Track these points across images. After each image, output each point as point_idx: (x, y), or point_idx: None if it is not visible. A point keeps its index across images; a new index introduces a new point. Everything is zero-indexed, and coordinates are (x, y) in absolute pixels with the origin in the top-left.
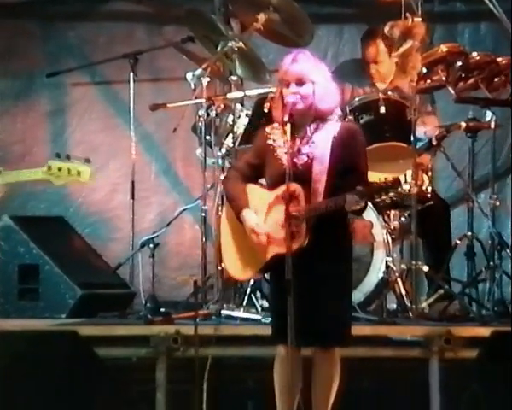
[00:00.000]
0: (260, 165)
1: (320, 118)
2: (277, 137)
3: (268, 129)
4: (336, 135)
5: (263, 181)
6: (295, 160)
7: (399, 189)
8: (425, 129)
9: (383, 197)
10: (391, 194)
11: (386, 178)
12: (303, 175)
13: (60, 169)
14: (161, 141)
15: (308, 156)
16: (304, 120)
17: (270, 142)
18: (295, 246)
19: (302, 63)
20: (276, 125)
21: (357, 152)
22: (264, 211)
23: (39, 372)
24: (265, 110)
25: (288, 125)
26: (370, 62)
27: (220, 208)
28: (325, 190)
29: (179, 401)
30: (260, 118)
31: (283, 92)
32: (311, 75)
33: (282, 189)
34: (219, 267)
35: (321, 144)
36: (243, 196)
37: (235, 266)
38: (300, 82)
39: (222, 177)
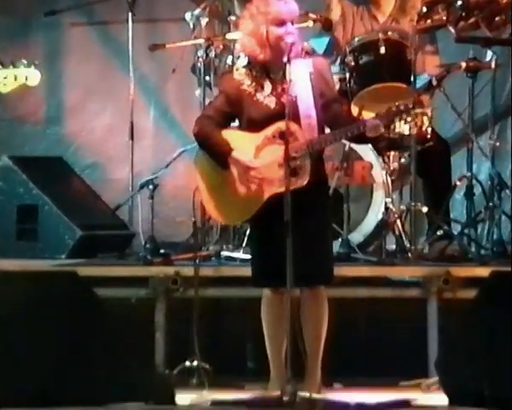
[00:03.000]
0: (233, 112)
1: (296, 56)
2: (250, 81)
3: (236, 75)
4: (312, 70)
5: None
6: (282, 100)
7: (424, 110)
8: (425, 68)
9: (403, 120)
10: (413, 115)
11: (404, 102)
12: (290, 114)
13: (5, 77)
14: (159, 82)
15: (291, 95)
16: (282, 60)
17: (244, 87)
18: (299, 183)
19: (293, 3)
20: (242, 70)
21: (333, 83)
22: (251, 153)
23: (38, 313)
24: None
25: (288, 66)
26: None
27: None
28: (318, 124)
29: (178, 341)
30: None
31: (274, 32)
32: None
33: (272, 129)
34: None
35: (301, 82)
36: (224, 140)
37: (224, 212)
38: (292, 22)
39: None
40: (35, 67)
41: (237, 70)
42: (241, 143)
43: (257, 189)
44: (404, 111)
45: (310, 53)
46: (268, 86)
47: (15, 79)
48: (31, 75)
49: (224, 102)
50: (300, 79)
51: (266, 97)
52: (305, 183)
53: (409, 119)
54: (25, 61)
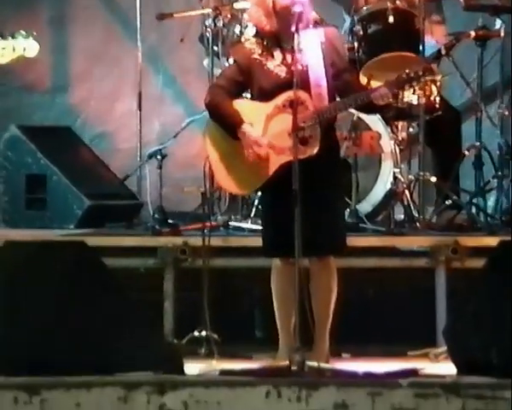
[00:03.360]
0: (245, 81)
1: (306, 26)
2: (261, 50)
3: (248, 44)
4: (324, 40)
5: None
6: (292, 69)
7: (434, 77)
8: (433, 37)
9: (412, 88)
10: (422, 83)
11: (414, 69)
12: (301, 83)
13: (4, 48)
14: (167, 52)
15: (302, 65)
16: (291, 29)
17: (255, 57)
18: (309, 152)
19: None
20: (253, 39)
21: (344, 53)
22: (262, 123)
23: (47, 282)
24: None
25: (296, 36)
26: None
27: None
28: (329, 94)
29: (187, 311)
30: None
31: (280, 2)
32: None
33: (282, 98)
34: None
35: (312, 51)
36: (235, 111)
37: (232, 184)
38: None
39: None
40: (33, 38)
41: (248, 40)
42: (252, 113)
43: (266, 158)
44: (413, 78)
45: (320, 23)
46: (278, 55)
47: (13, 50)
48: (29, 46)
49: (236, 71)
50: (311, 48)
51: (277, 66)
52: (315, 151)
53: (417, 88)
54: (23, 33)
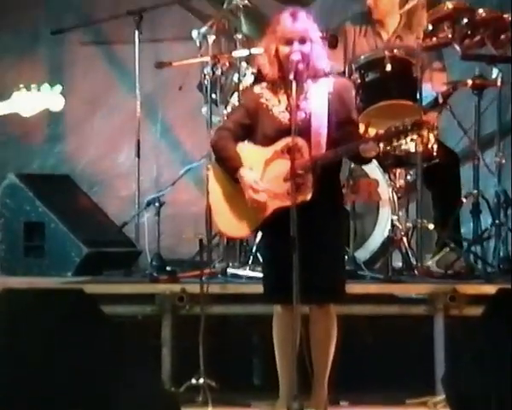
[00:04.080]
0: (251, 125)
1: (314, 76)
2: (269, 96)
3: (257, 89)
4: (332, 91)
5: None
6: (293, 116)
7: (421, 132)
8: (432, 85)
9: (401, 141)
10: (410, 138)
11: (404, 122)
12: (302, 130)
13: (28, 101)
14: (165, 100)
15: (305, 112)
16: (301, 77)
17: (262, 101)
18: (300, 199)
19: (304, 21)
20: (264, 84)
21: (351, 105)
22: (261, 167)
23: (45, 330)
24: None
25: (294, 84)
26: None
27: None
28: (327, 143)
29: (184, 358)
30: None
31: (282, 50)
32: (311, 34)
33: (281, 143)
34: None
35: (317, 100)
36: (236, 155)
37: (229, 225)
38: (303, 40)
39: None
40: (60, 92)
41: (258, 84)
42: (252, 157)
43: (261, 203)
44: (402, 132)
45: (332, 73)
46: (284, 101)
47: (39, 104)
48: (54, 101)
49: (243, 114)
50: (317, 97)
51: (281, 113)
52: (309, 198)
53: (414, 136)
54: (48, 85)
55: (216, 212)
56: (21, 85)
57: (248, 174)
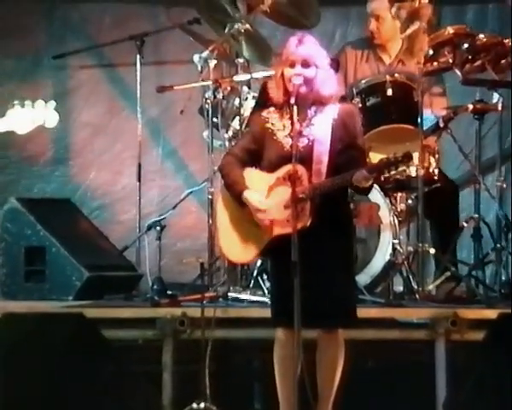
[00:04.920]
0: (258, 150)
1: (319, 102)
2: (275, 120)
3: (264, 113)
4: (336, 117)
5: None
6: (297, 141)
7: (410, 164)
8: (432, 110)
9: (392, 173)
10: (401, 169)
11: (395, 154)
12: (304, 157)
13: (23, 118)
14: (167, 123)
15: (308, 138)
16: (305, 102)
17: (268, 126)
18: (299, 226)
19: (308, 46)
20: (271, 108)
21: (356, 133)
22: (265, 193)
23: (46, 354)
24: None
25: (295, 108)
26: (372, 16)
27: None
28: (327, 171)
29: (185, 383)
30: (267, 100)
31: (285, 73)
32: (316, 59)
33: (283, 170)
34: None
35: (321, 127)
36: (242, 179)
37: (234, 250)
38: (306, 64)
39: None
40: (54, 108)
41: (266, 109)
42: (257, 182)
43: (264, 229)
44: (393, 163)
45: (339, 100)
46: (288, 127)
47: (33, 121)
48: (49, 117)
49: (250, 140)
50: (322, 123)
51: (284, 137)
52: (308, 224)
53: (404, 168)
54: (43, 102)
55: (222, 236)
56: (16, 102)
57: (253, 196)
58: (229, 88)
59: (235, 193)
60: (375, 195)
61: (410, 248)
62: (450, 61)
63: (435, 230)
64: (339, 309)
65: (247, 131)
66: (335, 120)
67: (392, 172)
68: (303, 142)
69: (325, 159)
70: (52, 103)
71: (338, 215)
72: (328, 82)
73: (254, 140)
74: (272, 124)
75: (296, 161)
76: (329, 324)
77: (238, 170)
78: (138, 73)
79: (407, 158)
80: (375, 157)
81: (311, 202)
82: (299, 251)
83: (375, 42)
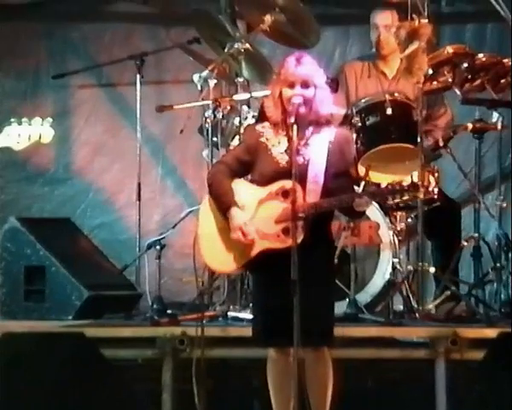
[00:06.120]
0: (250, 162)
1: (317, 122)
2: (270, 135)
3: (259, 127)
4: (332, 140)
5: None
6: (292, 159)
7: (417, 193)
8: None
9: (396, 200)
10: (405, 198)
11: (401, 182)
12: (298, 175)
13: (19, 135)
14: (167, 143)
15: (304, 158)
16: (302, 122)
17: (262, 140)
18: (289, 243)
19: (308, 66)
20: (266, 124)
21: (350, 158)
22: (254, 206)
23: (46, 374)
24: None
25: (295, 127)
26: (381, 27)
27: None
28: (322, 192)
29: (185, 402)
30: (265, 119)
31: (284, 93)
32: (315, 79)
33: (276, 185)
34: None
35: (317, 148)
36: (230, 192)
37: (217, 259)
38: (305, 84)
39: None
40: (49, 125)
41: (261, 123)
42: (246, 195)
43: (246, 244)
44: (397, 192)
45: (333, 122)
46: (284, 144)
47: (29, 137)
48: (44, 133)
49: (243, 151)
50: (318, 144)
51: (279, 154)
52: (299, 241)
53: (409, 196)
54: (39, 119)
55: (204, 245)
56: (13, 120)
57: (238, 215)
58: (228, 107)
59: (221, 206)
60: (375, 213)
61: (410, 267)
62: (450, 80)
63: (436, 249)
64: (325, 327)
65: (240, 142)
66: (332, 143)
67: (397, 200)
68: (298, 160)
69: (320, 180)
70: (49, 120)
71: (324, 234)
72: (325, 102)
73: (248, 151)
74: (267, 139)
75: (296, 179)
76: (317, 342)
77: (227, 181)
78: (138, 93)
79: (413, 188)
80: (374, 176)
81: (305, 220)
82: (286, 268)
83: (380, 52)
